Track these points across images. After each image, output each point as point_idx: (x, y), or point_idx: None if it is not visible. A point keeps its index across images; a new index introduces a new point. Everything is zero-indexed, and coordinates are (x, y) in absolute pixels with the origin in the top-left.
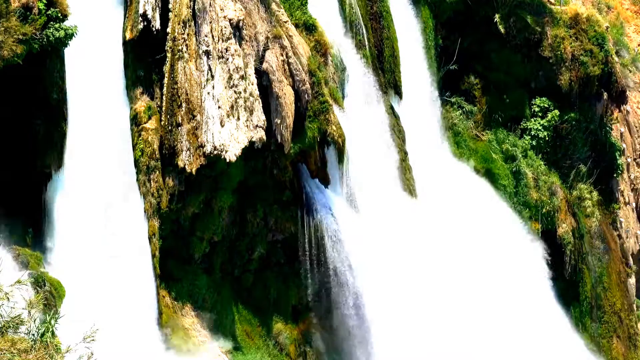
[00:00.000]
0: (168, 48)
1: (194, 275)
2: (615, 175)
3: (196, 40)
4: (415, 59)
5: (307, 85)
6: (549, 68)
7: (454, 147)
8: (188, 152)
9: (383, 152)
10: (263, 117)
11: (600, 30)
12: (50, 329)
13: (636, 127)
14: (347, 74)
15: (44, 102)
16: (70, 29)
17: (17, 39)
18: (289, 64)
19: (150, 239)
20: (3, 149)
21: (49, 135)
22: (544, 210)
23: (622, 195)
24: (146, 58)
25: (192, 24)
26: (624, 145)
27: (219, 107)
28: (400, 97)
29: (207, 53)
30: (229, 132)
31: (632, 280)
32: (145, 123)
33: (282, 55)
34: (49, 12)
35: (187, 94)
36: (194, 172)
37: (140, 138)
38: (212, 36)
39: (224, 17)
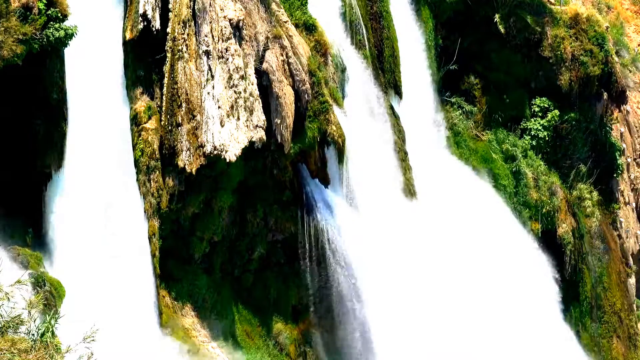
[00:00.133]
0: (168, 48)
1: (194, 275)
2: (615, 175)
3: (196, 40)
4: (415, 59)
5: (307, 85)
6: (549, 68)
7: (454, 147)
8: (188, 152)
9: (383, 152)
10: (263, 117)
11: (600, 30)
12: (50, 329)
13: (636, 127)
14: (347, 74)
15: (44, 102)
16: (70, 29)
17: (17, 39)
18: (289, 64)
19: (150, 239)
20: (3, 149)
21: (49, 135)
22: (544, 210)
23: (622, 195)
24: (146, 58)
25: (192, 24)
26: (624, 145)
27: (219, 107)
28: (400, 97)
29: (207, 53)
30: (229, 132)
31: (632, 280)
32: (145, 123)
33: (282, 55)
34: (49, 12)
35: (187, 94)
36: (194, 172)
37: (140, 138)
38: (212, 36)
39: (224, 17)
